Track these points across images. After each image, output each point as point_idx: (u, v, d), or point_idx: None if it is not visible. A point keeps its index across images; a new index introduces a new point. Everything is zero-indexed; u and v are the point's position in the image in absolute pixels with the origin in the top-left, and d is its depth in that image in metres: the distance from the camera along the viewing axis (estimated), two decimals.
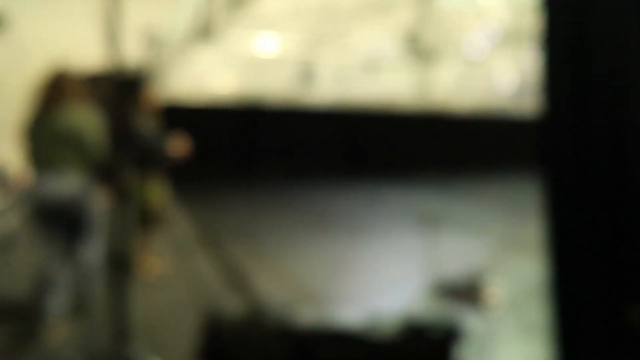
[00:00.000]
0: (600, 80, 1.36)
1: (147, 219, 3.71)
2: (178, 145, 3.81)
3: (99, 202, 2.86)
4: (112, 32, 2.11)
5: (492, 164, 12.14)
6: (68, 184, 2.70)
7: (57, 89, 2.77)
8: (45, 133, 2.74)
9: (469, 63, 9.42)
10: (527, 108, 12.57)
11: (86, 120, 2.79)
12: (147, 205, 3.69)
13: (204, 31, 6.66)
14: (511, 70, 9.98)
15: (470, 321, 3.13)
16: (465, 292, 3.84)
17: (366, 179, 10.12)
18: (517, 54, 8.85)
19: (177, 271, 4.04)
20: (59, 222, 2.73)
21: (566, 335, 1.43)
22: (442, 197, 8.60)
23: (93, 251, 2.86)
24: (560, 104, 1.50)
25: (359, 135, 11.12)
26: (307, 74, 9.20)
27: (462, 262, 4.53)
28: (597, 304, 1.39)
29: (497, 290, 3.74)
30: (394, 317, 1.81)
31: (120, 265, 2.14)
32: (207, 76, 9.16)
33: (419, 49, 7.87)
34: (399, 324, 1.71)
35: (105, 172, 2.79)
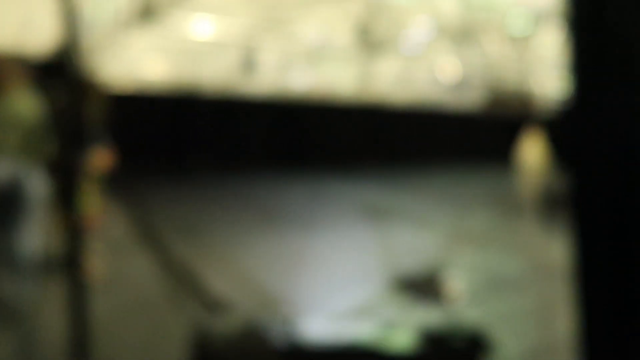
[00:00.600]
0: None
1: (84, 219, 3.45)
2: (102, 158, 3.59)
3: (41, 190, 2.82)
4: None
5: (433, 157, 12.41)
6: (6, 169, 2.67)
7: None
8: None
9: (412, 56, 9.50)
10: (468, 101, 13.03)
11: (27, 105, 2.77)
12: (84, 204, 3.45)
13: (142, 13, 6.17)
14: (452, 63, 10.17)
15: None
16: (426, 286, 3.79)
17: (308, 172, 9.94)
18: (459, 48, 9.02)
19: (117, 274, 3.68)
20: None
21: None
22: (386, 190, 8.60)
23: (28, 241, 2.79)
24: (589, 90, 1.35)
25: (300, 127, 10.93)
26: (248, 61, 8.85)
27: (416, 255, 4.48)
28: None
29: (457, 283, 3.72)
30: (409, 327, 1.65)
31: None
32: (140, 61, 8.59)
33: (368, 41, 7.80)
34: (416, 335, 1.54)
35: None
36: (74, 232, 1.67)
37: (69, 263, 1.73)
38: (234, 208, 6.70)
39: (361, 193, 7.96)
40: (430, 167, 11.60)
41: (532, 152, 14.29)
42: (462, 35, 8.23)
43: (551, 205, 6.86)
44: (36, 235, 2.89)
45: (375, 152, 11.49)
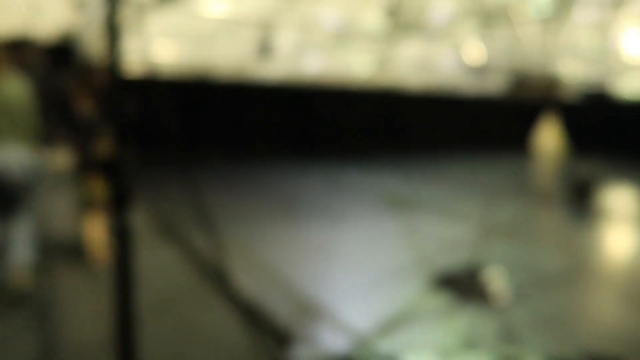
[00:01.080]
0: None
1: (92, 205, 3.50)
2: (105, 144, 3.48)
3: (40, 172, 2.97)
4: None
5: (455, 144, 11.99)
6: (6, 154, 2.74)
7: None
8: None
9: (436, 39, 9.11)
10: (492, 85, 12.49)
11: (15, 89, 2.79)
12: (91, 192, 3.49)
13: None
14: (477, 46, 9.76)
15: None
16: (468, 283, 3.56)
17: (327, 161, 9.60)
18: (484, 30, 8.62)
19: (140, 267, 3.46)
20: None
21: None
22: (407, 179, 8.34)
23: (27, 224, 2.92)
24: None
25: (317, 114, 10.60)
26: (265, 44, 8.53)
27: (449, 249, 4.24)
28: None
29: (500, 280, 3.48)
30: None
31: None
32: (154, 45, 8.32)
33: (394, 23, 7.46)
34: None
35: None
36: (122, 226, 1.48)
37: (117, 257, 1.54)
38: (252, 198, 6.46)
39: (382, 183, 7.71)
40: (452, 155, 11.23)
41: (549, 137, 13.90)
42: (486, 17, 7.88)
43: (579, 192, 6.57)
44: (34, 215, 3.02)
45: (395, 139, 11.12)
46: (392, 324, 2.71)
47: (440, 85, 11.81)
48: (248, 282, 3.22)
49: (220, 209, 5.33)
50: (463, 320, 2.91)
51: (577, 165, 9.69)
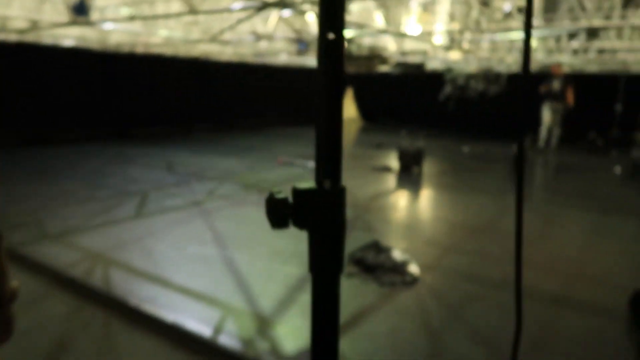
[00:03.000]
0: None
1: None
2: None
3: None
4: None
5: (264, 117, 12.82)
6: None
7: None
8: None
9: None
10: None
11: None
12: None
13: None
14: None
15: None
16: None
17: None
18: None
19: None
20: None
21: None
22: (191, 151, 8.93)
23: None
24: None
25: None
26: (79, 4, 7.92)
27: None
28: None
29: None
30: None
31: None
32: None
33: None
34: None
35: None
36: None
37: None
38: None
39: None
40: (262, 127, 12.16)
41: (347, 107, 15.92)
42: None
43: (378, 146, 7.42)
44: None
45: (207, 109, 12.15)
46: None
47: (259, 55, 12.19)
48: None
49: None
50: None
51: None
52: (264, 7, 6.49)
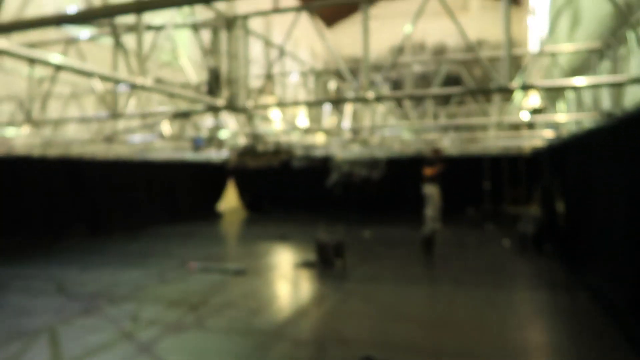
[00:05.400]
0: None
1: None
2: None
3: None
4: None
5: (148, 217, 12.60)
6: None
7: None
8: None
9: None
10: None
11: None
12: None
13: None
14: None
15: None
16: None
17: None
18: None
19: None
20: None
21: None
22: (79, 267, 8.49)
23: None
24: None
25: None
26: None
27: None
28: None
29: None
30: None
31: None
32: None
33: None
34: None
35: None
36: None
37: None
38: None
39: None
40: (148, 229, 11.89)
41: (229, 199, 16.82)
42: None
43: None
44: None
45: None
46: None
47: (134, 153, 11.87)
48: None
49: None
50: None
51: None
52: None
